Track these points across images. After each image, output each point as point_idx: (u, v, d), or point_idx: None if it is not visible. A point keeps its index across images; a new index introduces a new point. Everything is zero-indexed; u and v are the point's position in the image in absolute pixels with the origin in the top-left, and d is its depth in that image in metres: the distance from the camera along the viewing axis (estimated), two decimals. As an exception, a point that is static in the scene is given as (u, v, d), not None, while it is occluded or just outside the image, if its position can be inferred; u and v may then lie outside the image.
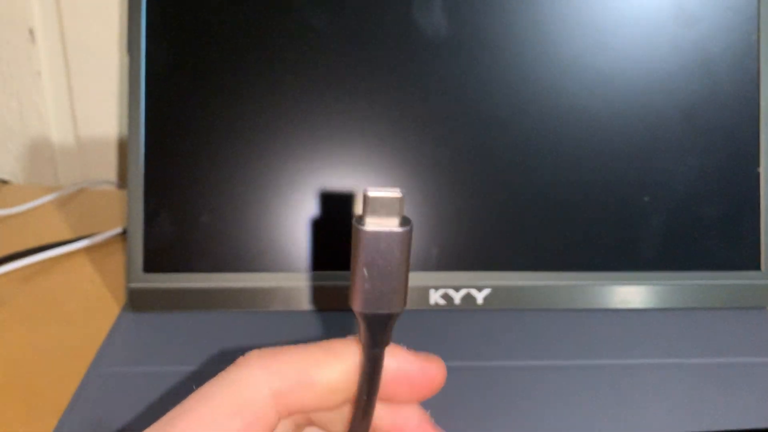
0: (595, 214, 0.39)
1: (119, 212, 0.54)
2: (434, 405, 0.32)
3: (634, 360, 0.36)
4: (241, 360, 0.21)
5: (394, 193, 0.19)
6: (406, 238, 0.19)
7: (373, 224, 0.19)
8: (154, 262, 0.39)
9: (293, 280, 0.39)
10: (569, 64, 0.39)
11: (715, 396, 0.33)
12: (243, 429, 0.19)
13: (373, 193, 0.19)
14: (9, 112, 0.61)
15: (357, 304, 0.20)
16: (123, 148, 0.62)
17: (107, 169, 0.63)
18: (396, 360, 0.22)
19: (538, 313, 0.39)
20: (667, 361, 0.36)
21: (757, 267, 0.40)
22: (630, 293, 0.40)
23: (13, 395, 0.34)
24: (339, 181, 0.39)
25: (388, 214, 0.19)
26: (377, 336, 0.21)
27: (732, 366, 0.35)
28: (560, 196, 0.39)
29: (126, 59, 0.39)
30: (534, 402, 0.33)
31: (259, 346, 0.36)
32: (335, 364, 0.21)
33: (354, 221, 0.20)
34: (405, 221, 0.20)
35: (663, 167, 0.39)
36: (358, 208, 0.39)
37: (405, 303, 0.20)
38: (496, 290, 0.39)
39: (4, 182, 0.62)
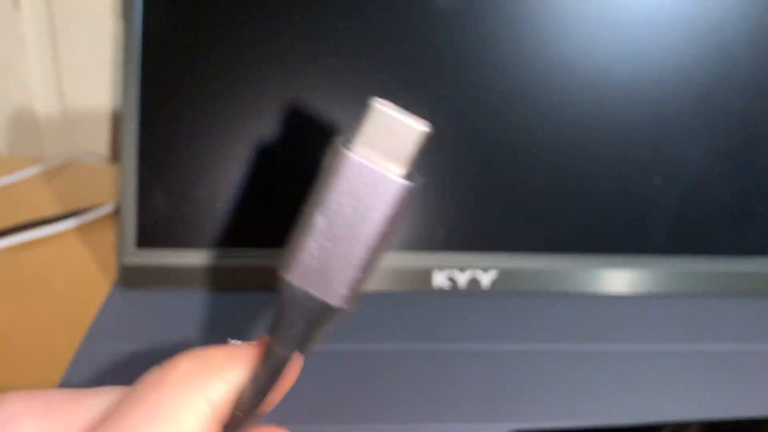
0: (605, 196, 0.38)
1: (106, 186, 0.52)
2: (438, 389, 0.32)
3: (643, 346, 0.35)
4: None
5: (414, 122, 0.12)
6: (403, 198, 0.12)
7: (364, 153, 0.12)
8: (147, 238, 0.38)
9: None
10: (583, 42, 0.38)
11: (729, 383, 0.33)
12: None
13: (381, 106, 0.12)
14: (-9, 80, 0.59)
15: (290, 271, 0.14)
16: (115, 119, 0.60)
17: (93, 141, 0.61)
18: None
19: (545, 297, 0.39)
20: (676, 347, 0.35)
21: (768, 253, 0.39)
22: (640, 278, 0.39)
23: (4, 372, 0.33)
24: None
25: (393, 150, 0.12)
26: (296, 332, 0.14)
27: (745, 353, 0.35)
28: (571, 177, 0.38)
29: (120, 24, 0.38)
30: (540, 387, 0.32)
31: (253, 325, 0.36)
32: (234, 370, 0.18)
33: (337, 140, 0.13)
34: (411, 175, 0.13)
35: (675, 150, 0.38)
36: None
37: (354, 303, 0.14)
38: (502, 272, 0.38)
39: (-14, 153, 0.60)
